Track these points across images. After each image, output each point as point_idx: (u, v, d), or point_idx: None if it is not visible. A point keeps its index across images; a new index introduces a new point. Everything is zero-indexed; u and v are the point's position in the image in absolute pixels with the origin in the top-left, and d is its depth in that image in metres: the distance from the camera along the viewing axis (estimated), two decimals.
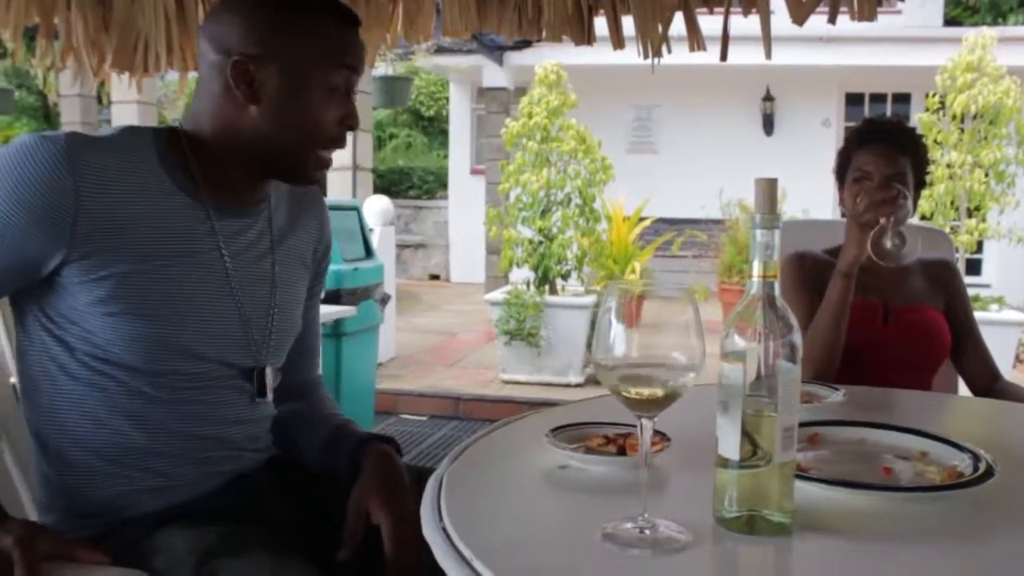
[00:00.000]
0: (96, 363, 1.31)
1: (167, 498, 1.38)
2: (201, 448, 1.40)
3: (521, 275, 6.51)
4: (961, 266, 4.94)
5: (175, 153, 1.38)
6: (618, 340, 1.00)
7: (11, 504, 1.50)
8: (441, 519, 1.10)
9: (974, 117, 6.55)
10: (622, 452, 1.31)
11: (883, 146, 2.15)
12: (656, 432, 1.28)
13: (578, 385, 6.17)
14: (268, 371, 1.45)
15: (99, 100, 8.41)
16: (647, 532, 1.03)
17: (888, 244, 1.96)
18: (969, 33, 6.85)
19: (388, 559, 1.34)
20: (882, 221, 1.99)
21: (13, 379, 1.60)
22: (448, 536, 1.05)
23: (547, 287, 6.37)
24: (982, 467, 1.23)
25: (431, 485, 1.21)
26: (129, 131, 1.38)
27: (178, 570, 1.26)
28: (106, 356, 1.31)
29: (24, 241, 1.24)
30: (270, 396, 1.48)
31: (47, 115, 12.60)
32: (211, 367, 1.38)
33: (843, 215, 2.26)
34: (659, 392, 1.00)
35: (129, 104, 7.16)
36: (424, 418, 5.50)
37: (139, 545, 1.32)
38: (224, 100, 1.37)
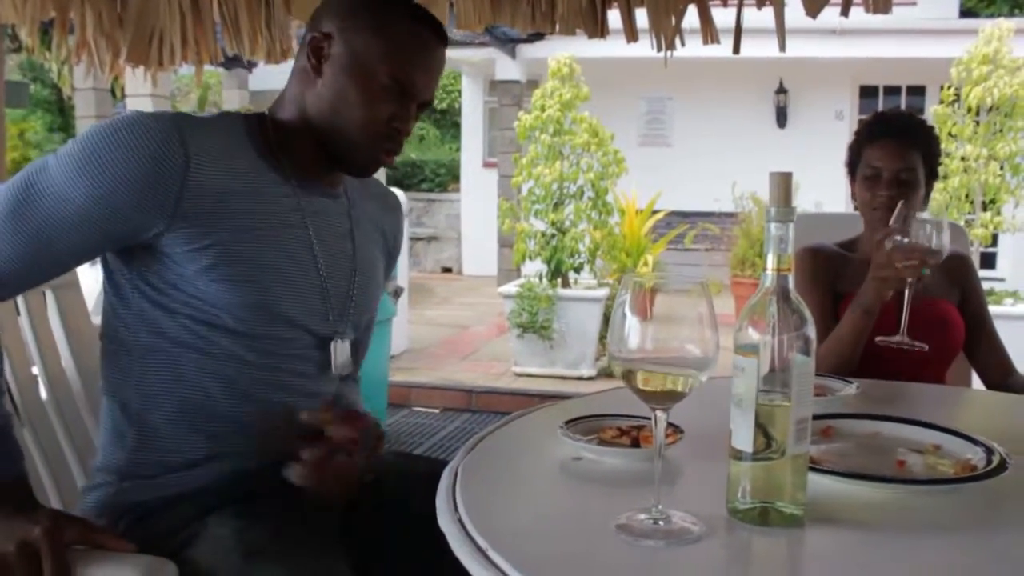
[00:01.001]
0: (198, 327, 1.36)
1: (219, 469, 1.40)
2: (269, 419, 1.43)
3: (533, 268, 6.51)
4: (976, 260, 4.92)
5: (262, 136, 1.46)
6: (633, 333, 1.01)
7: (35, 491, 1.52)
8: (456, 510, 1.11)
9: (989, 110, 6.51)
10: (636, 444, 1.32)
11: (893, 140, 2.15)
12: (669, 424, 1.29)
13: (590, 378, 6.18)
14: (338, 343, 1.50)
15: (113, 94, 8.44)
16: (661, 523, 1.04)
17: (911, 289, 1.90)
18: (985, 24, 6.81)
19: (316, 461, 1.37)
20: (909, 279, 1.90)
21: (35, 368, 1.61)
22: (464, 527, 1.06)
23: (559, 280, 6.38)
24: (995, 460, 1.24)
25: (446, 477, 1.22)
26: (223, 115, 1.47)
27: (222, 564, 1.27)
28: (209, 320, 1.36)
29: (129, 211, 1.29)
30: (335, 370, 1.51)
31: (61, 108, 12.64)
32: (296, 333, 1.44)
33: (855, 209, 2.26)
34: (673, 385, 1.01)
35: (143, 98, 7.20)
36: (437, 411, 5.51)
37: (186, 529, 1.34)
38: (301, 75, 1.47)
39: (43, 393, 1.61)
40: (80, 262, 1.37)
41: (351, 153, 1.46)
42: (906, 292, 1.88)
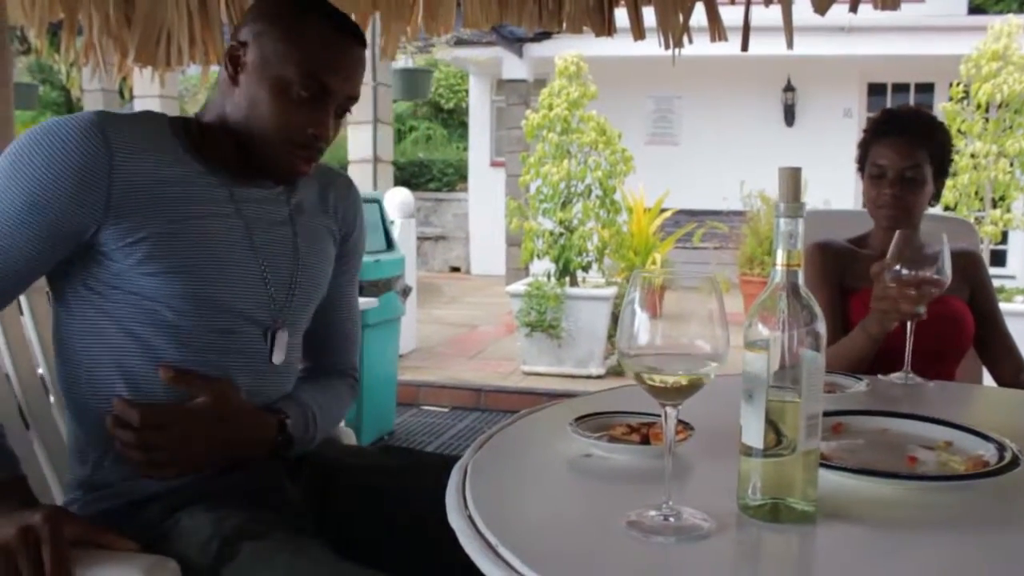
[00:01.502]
0: (140, 326, 1.36)
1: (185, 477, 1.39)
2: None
3: (541, 267, 6.51)
4: (986, 257, 4.90)
5: (187, 136, 1.46)
6: (643, 329, 1.01)
7: (40, 493, 1.52)
8: (466, 507, 1.11)
9: (999, 106, 6.49)
10: (645, 441, 1.32)
11: (899, 138, 2.14)
12: (679, 421, 1.28)
13: (599, 376, 6.18)
14: (283, 333, 1.49)
15: (121, 95, 8.47)
16: (671, 519, 1.03)
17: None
18: (995, 21, 6.78)
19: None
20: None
21: (41, 370, 1.62)
22: (473, 523, 1.06)
23: (568, 279, 6.38)
24: (1007, 456, 1.23)
25: (456, 473, 1.22)
26: (147, 112, 1.48)
27: (200, 553, 1.27)
28: (150, 317, 1.36)
29: (65, 212, 1.30)
30: (280, 359, 1.50)
31: (70, 109, 12.69)
32: (237, 323, 1.43)
33: (865, 206, 2.26)
34: (684, 380, 1.01)
35: (151, 98, 7.23)
36: (445, 409, 5.52)
37: (158, 527, 1.34)
38: (222, 84, 1.47)
39: (51, 397, 1.62)
40: (36, 272, 1.37)
41: (269, 161, 1.46)
42: (908, 324, 1.83)
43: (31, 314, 1.61)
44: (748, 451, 1.06)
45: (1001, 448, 1.27)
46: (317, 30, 1.42)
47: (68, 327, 1.41)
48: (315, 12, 1.44)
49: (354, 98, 1.50)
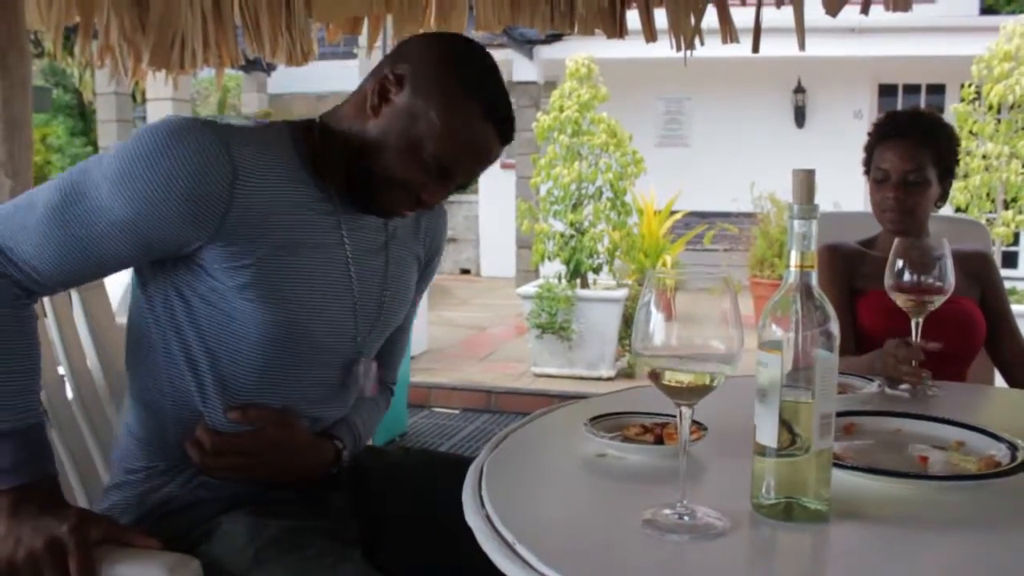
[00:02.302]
0: (225, 336, 1.36)
1: (235, 485, 1.41)
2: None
3: (552, 269, 6.52)
4: (997, 259, 4.89)
5: (308, 147, 1.42)
6: (657, 329, 1.02)
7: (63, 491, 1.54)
8: (483, 506, 1.12)
9: (1011, 107, 6.47)
10: (659, 441, 1.33)
11: (901, 140, 2.14)
12: (693, 422, 1.29)
13: (609, 378, 6.18)
14: (361, 363, 1.49)
15: (133, 98, 8.51)
16: (686, 518, 1.05)
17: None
18: (1007, 21, 6.76)
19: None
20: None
21: (61, 369, 1.63)
22: (491, 522, 1.07)
23: (578, 281, 6.38)
24: (1020, 456, 1.24)
25: (471, 473, 1.24)
26: (271, 126, 1.43)
27: (235, 559, 1.29)
28: (237, 332, 1.35)
29: (172, 229, 1.27)
30: (354, 391, 1.51)
31: (82, 113, 12.72)
32: (318, 352, 1.43)
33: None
34: (698, 380, 1.02)
35: (164, 101, 7.26)
36: (456, 411, 5.52)
37: (197, 529, 1.36)
38: (361, 102, 1.41)
39: (69, 393, 1.63)
40: (121, 268, 1.36)
41: (375, 194, 1.42)
42: (915, 328, 1.80)
43: (52, 315, 1.63)
44: (762, 451, 1.07)
45: (1013, 448, 1.28)
46: (474, 124, 1.38)
47: (149, 323, 1.39)
48: (479, 102, 1.38)
49: (468, 184, 1.48)
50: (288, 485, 1.44)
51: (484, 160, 1.43)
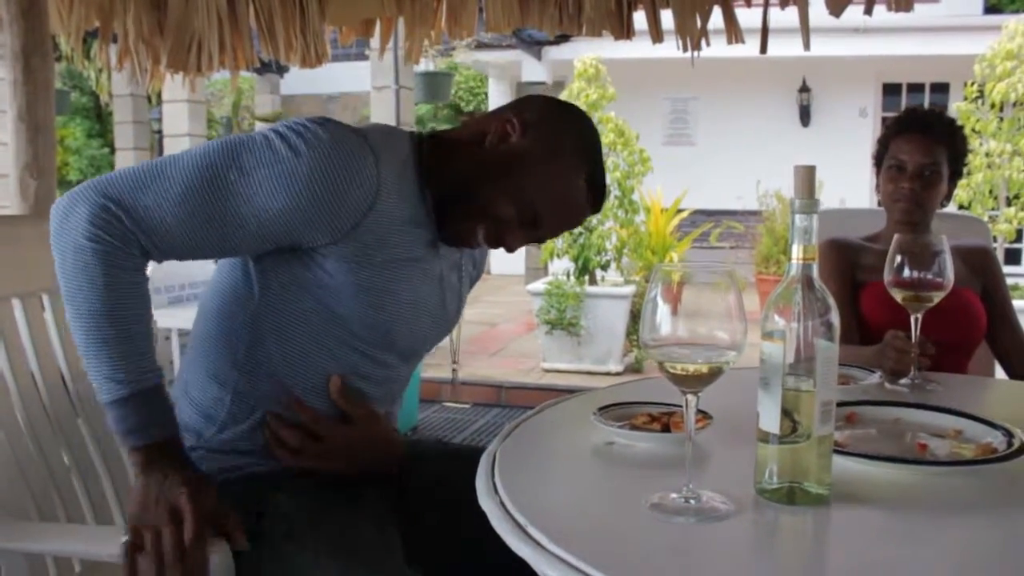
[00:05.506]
0: (318, 325, 1.41)
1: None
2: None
3: (560, 266, 6.55)
4: (1000, 255, 4.91)
5: (421, 164, 1.48)
6: (664, 320, 1.06)
7: (92, 478, 1.58)
8: (496, 492, 1.15)
9: (1014, 105, 6.49)
10: (666, 429, 1.36)
11: (920, 135, 2.18)
12: (699, 411, 1.33)
13: (617, 373, 6.21)
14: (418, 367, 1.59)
15: (149, 100, 8.56)
16: (692, 502, 1.08)
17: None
18: (1010, 21, 6.78)
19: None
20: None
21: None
22: (504, 506, 1.11)
23: (587, 278, 6.42)
24: (1016, 443, 1.27)
25: (484, 461, 1.27)
26: (398, 136, 1.48)
27: (277, 536, 1.32)
28: (330, 330, 1.41)
29: (312, 221, 1.32)
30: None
31: (99, 115, 12.75)
32: (397, 358, 1.52)
33: (880, 203, 2.30)
34: (704, 368, 1.05)
35: (180, 103, 7.29)
36: (467, 406, 5.56)
37: (256, 500, 1.38)
38: (478, 135, 1.49)
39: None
40: (234, 255, 1.42)
41: (460, 222, 1.47)
42: (914, 324, 1.80)
43: (53, 315, 1.64)
44: (765, 437, 1.11)
45: (1009, 435, 1.31)
46: (575, 185, 1.47)
47: (241, 300, 1.43)
48: (585, 167, 1.48)
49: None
50: (353, 475, 1.48)
51: (572, 220, 1.52)
